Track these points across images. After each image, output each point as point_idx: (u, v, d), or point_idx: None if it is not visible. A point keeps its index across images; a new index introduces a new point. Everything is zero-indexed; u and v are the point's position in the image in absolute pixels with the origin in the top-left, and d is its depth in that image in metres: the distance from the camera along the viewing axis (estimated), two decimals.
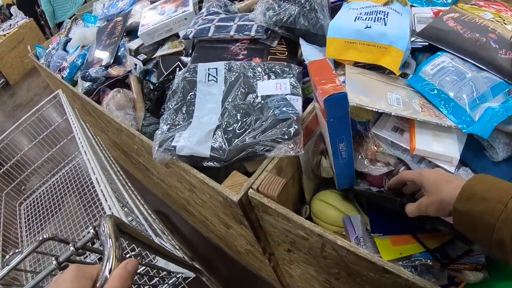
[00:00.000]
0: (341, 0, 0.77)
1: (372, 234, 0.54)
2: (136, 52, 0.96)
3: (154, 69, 0.89)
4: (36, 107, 1.06)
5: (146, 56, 0.93)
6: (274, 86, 0.61)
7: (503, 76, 0.58)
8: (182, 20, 0.89)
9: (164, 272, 0.72)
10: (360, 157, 0.58)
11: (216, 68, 0.66)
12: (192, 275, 0.75)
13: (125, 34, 1.02)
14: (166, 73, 0.81)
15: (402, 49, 0.59)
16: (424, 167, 0.55)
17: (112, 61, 0.95)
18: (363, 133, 0.59)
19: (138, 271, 0.69)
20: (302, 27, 0.68)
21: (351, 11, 0.67)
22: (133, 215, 0.74)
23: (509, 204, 0.33)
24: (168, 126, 0.62)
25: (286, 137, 0.51)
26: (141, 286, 0.73)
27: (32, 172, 1.18)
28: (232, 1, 0.91)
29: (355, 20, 0.64)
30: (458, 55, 0.62)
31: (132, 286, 0.32)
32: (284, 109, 0.55)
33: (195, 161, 0.56)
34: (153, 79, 0.88)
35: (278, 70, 0.64)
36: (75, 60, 1.10)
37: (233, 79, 0.64)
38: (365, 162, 0.57)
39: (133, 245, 0.85)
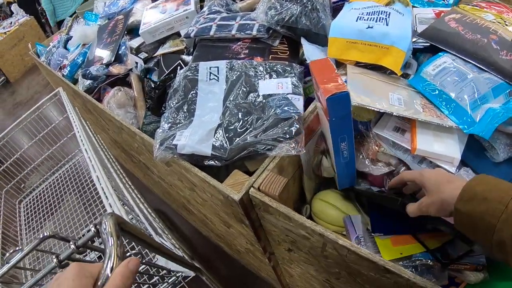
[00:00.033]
0: (343, 0, 0.77)
1: (372, 234, 0.54)
2: (137, 51, 0.96)
3: (155, 68, 0.89)
4: (37, 105, 1.06)
5: (147, 55, 0.93)
6: (276, 85, 0.61)
7: (504, 77, 0.58)
8: (184, 19, 0.89)
9: (164, 271, 0.72)
10: (361, 156, 0.58)
11: (218, 67, 0.66)
12: (192, 274, 0.75)
13: (126, 32, 1.02)
14: (167, 72, 0.81)
15: (403, 49, 0.59)
16: (425, 167, 0.55)
17: (113, 59, 0.95)
18: (364, 133, 0.59)
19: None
20: (304, 26, 0.68)
21: (353, 11, 0.67)
22: (133, 213, 0.74)
23: (510, 205, 0.33)
24: (169, 124, 0.61)
25: (288, 136, 0.51)
26: (141, 285, 0.73)
27: (32, 170, 1.18)
28: (233, 0, 0.91)
29: (357, 20, 0.64)
30: (460, 56, 0.62)
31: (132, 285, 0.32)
32: (286, 108, 0.55)
33: (196, 160, 0.56)
34: (154, 77, 0.88)
35: (279, 69, 0.64)
36: (76, 58, 1.10)
37: (234, 78, 0.64)
38: (366, 162, 0.57)
39: (133, 243, 0.85)
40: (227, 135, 0.55)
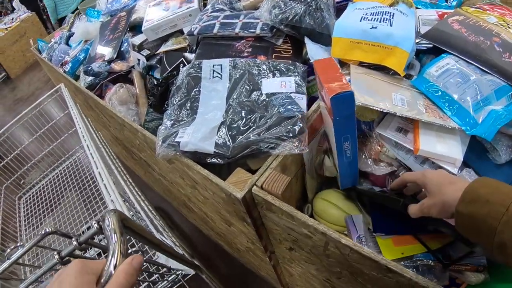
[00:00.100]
0: (346, 0, 0.77)
1: (374, 234, 0.54)
2: (139, 48, 0.96)
3: (158, 65, 0.89)
4: (38, 100, 1.06)
5: (149, 52, 0.93)
6: (279, 84, 0.61)
7: (507, 80, 0.58)
8: (187, 17, 0.89)
9: (164, 269, 0.72)
10: (363, 156, 0.58)
11: (221, 65, 0.66)
12: (192, 272, 0.75)
13: (128, 29, 1.02)
14: (169, 69, 0.81)
15: (407, 50, 0.60)
16: (427, 167, 0.55)
17: (115, 56, 0.95)
18: (367, 133, 0.59)
19: None
20: (308, 26, 0.68)
21: (357, 11, 0.67)
22: (134, 210, 0.74)
23: (511, 207, 0.33)
24: (172, 121, 0.61)
25: (291, 135, 0.51)
26: (141, 282, 0.73)
27: (32, 166, 1.17)
28: None
29: (361, 20, 0.64)
30: (463, 58, 0.62)
31: None
32: (289, 107, 0.55)
33: (198, 157, 0.56)
34: (156, 74, 0.88)
35: (283, 68, 0.64)
36: (77, 55, 1.09)
37: (238, 76, 0.64)
38: (369, 162, 0.57)
39: (133, 241, 0.84)
40: (230, 133, 0.55)
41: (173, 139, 0.57)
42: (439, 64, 0.62)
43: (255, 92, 0.61)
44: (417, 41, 0.67)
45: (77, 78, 1.08)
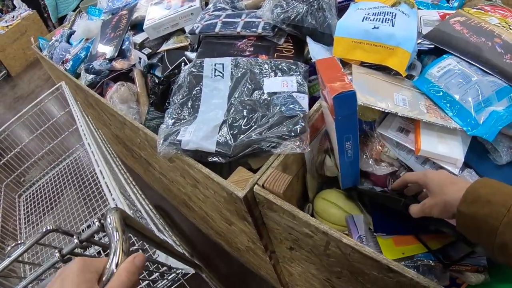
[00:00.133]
0: (348, 0, 0.77)
1: (375, 234, 0.54)
2: (140, 46, 0.96)
3: (159, 64, 0.89)
4: (38, 98, 1.05)
5: (151, 50, 0.93)
6: (281, 83, 0.61)
7: (508, 81, 0.58)
8: (189, 15, 0.89)
9: (164, 268, 0.72)
10: (365, 156, 0.58)
11: (223, 64, 0.66)
12: (191, 271, 0.75)
13: (130, 27, 1.01)
14: (171, 68, 0.81)
15: (409, 50, 0.60)
16: (428, 168, 0.55)
17: (116, 54, 0.95)
18: (369, 132, 0.59)
19: None
20: (310, 25, 0.68)
21: (359, 11, 0.67)
22: (134, 209, 0.74)
23: None
24: (173, 120, 0.61)
25: (293, 134, 0.51)
26: (140, 281, 0.73)
27: (32, 164, 1.17)
28: None
29: (363, 20, 0.64)
30: (464, 59, 0.62)
31: None
32: (291, 106, 0.55)
33: (200, 156, 0.56)
34: (158, 73, 0.88)
35: (284, 68, 0.64)
36: (78, 53, 1.09)
37: (239, 75, 0.64)
38: (370, 162, 0.57)
39: (133, 239, 0.84)
40: (231, 132, 0.55)
41: (175, 138, 0.57)
42: (440, 65, 0.62)
43: (256, 91, 0.61)
44: (418, 41, 0.67)
45: (77, 76, 1.08)
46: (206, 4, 0.91)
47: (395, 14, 0.64)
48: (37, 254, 0.96)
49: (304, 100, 0.58)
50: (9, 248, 0.54)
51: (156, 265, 0.72)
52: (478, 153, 0.56)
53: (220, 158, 0.54)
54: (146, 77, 0.91)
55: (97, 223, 0.39)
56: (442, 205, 0.41)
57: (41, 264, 0.77)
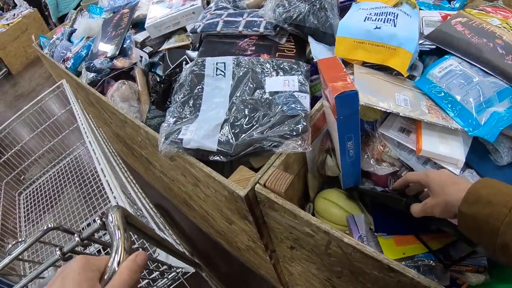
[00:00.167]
0: (350, 0, 0.77)
1: (375, 234, 0.54)
2: (142, 45, 0.96)
3: (160, 62, 0.89)
4: (39, 96, 1.05)
5: (152, 49, 0.93)
6: (282, 83, 0.61)
7: (509, 82, 0.58)
8: (190, 14, 0.89)
9: (165, 266, 0.72)
10: (366, 156, 0.58)
11: (224, 63, 0.66)
12: (192, 270, 0.75)
13: (131, 26, 1.01)
14: (172, 66, 0.81)
15: (411, 50, 0.60)
16: (429, 168, 0.55)
17: (117, 52, 0.95)
18: (370, 132, 0.59)
19: None
20: (312, 25, 0.68)
21: (361, 11, 0.67)
22: (135, 207, 0.74)
23: None
24: (175, 118, 0.61)
25: (294, 133, 0.51)
26: (140, 279, 0.73)
27: (32, 162, 1.17)
28: None
29: (364, 20, 0.64)
30: (465, 59, 0.62)
31: None
32: (293, 105, 0.55)
33: (201, 155, 0.56)
34: (159, 72, 0.88)
35: (286, 67, 0.64)
36: (79, 51, 1.09)
37: (241, 74, 0.64)
38: (371, 162, 0.57)
39: (133, 238, 0.84)
40: (233, 130, 0.55)
41: (176, 136, 0.57)
42: (442, 65, 0.62)
43: (258, 90, 0.61)
44: (420, 42, 0.67)
45: (78, 74, 1.07)
46: (208, 3, 0.91)
47: (397, 14, 0.64)
48: (36, 253, 0.96)
49: (305, 99, 0.58)
50: (9, 246, 0.54)
51: (156, 263, 0.72)
52: (479, 153, 0.56)
53: (221, 157, 0.54)
54: (147, 75, 0.91)
55: (98, 221, 0.39)
56: (443, 205, 0.41)
57: (41, 262, 0.77)
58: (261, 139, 0.52)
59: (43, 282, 0.69)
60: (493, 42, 0.64)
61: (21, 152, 1.13)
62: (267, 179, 0.50)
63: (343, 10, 0.74)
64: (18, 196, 1.15)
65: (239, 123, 0.57)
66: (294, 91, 0.59)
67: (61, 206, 1.08)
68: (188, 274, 0.75)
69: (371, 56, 0.63)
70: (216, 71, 0.65)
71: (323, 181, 0.66)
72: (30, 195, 1.16)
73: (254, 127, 0.55)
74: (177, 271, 0.75)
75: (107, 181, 0.56)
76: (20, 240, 0.53)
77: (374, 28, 0.62)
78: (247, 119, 0.57)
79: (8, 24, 2.84)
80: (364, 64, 0.66)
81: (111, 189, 0.54)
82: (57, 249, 0.42)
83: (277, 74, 0.63)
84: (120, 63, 0.94)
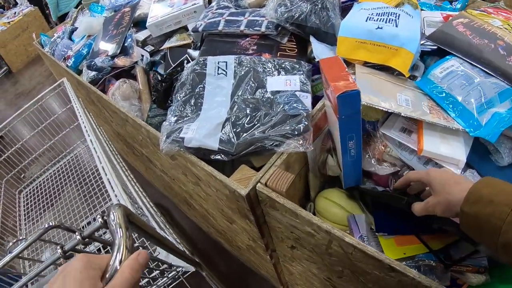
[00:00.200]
0: (352, 0, 0.77)
1: (376, 234, 0.54)
2: (143, 43, 0.96)
3: (161, 61, 0.89)
4: (40, 95, 1.05)
5: (153, 48, 0.93)
6: (284, 82, 0.61)
7: (511, 83, 0.58)
8: (192, 13, 0.89)
9: (165, 265, 0.72)
10: (367, 156, 0.58)
11: (226, 62, 0.66)
12: (192, 269, 0.75)
13: (132, 25, 1.01)
14: (173, 65, 0.81)
15: (412, 51, 0.60)
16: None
17: (118, 51, 0.95)
18: (372, 132, 0.59)
19: None
20: (313, 25, 0.68)
21: (363, 11, 0.67)
22: (136, 206, 0.74)
23: None
24: (176, 117, 0.61)
25: (296, 133, 0.51)
26: (140, 278, 0.73)
27: (32, 160, 1.17)
28: None
29: (366, 20, 0.64)
30: (467, 60, 0.62)
31: None
32: (294, 105, 0.55)
33: (203, 154, 0.56)
34: (160, 70, 0.88)
35: (288, 67, 0.64)
36: (80, 49, 1.09)
37: (243, 73, 0.64)
38: (372, 162, 0.57)
39: (133, 237, 0.84)
40: (234, 130, 0.55)
41: (177, 135, 0.57)
42: (443, 66, 0.63)
43: (260, 90, 0.61)
44: (421, 42, 0.67)
45: (79, 73, 1.07)
46: (209, 2, 0.91)
47: (399, 14, 0.64)
48: (36, 251, 0.96)
49: (307, 99, 0.58)
50: (10, 244, 0.53)
51: (157, 262, 0.72)
52: (480, 154, 0.56)
53: (222, 156, 0.54)
54: (148, 74, 0.91)
55: (100, 220, 0.39)
56: (445, 204, 0.41)
57: (41, 260, 0.77)
58: (262, 138, 0.52)
59: (44, 281, 0.69)
60: (495, 43, 0.64)
61: (21, 150, 1.13)
62: (269, 178, 0.50)
63: (344, 10, 0.74)
64: (18, 194, 1.15)
65: (240, 122, 0.57)
66: (295, 91, 0.59)
67: (61, 205, 1.08)
68: (188, 273, 0.75)
69: (372, 56, 0.64)
70: (218, 70, 0.65)
71: (324, 180, 0.66)
72: (30, 193, 1.15)
73: (256, 126, 0.55)
74: (177, 270, 0.75)
75: (108, 179, 0.56)
76: (20, 238, 0.53)
77: (376, 28, 0.62)
78: (248, 118, 0.57)
79: (9, 23, 2.84)
80: (366, 64, 0.66)
81: (112, 188, 0.54)
82: (58, 247, 0.42)
83: (279, 73, 0.63)
84: (121, 61, 0.94)
